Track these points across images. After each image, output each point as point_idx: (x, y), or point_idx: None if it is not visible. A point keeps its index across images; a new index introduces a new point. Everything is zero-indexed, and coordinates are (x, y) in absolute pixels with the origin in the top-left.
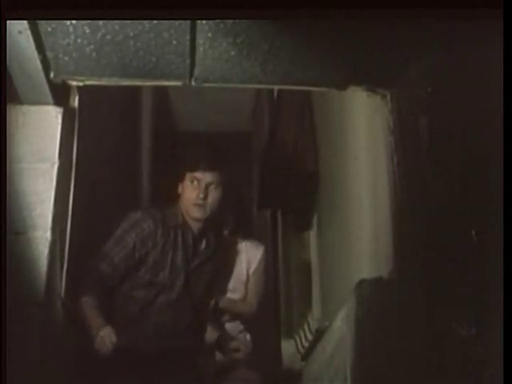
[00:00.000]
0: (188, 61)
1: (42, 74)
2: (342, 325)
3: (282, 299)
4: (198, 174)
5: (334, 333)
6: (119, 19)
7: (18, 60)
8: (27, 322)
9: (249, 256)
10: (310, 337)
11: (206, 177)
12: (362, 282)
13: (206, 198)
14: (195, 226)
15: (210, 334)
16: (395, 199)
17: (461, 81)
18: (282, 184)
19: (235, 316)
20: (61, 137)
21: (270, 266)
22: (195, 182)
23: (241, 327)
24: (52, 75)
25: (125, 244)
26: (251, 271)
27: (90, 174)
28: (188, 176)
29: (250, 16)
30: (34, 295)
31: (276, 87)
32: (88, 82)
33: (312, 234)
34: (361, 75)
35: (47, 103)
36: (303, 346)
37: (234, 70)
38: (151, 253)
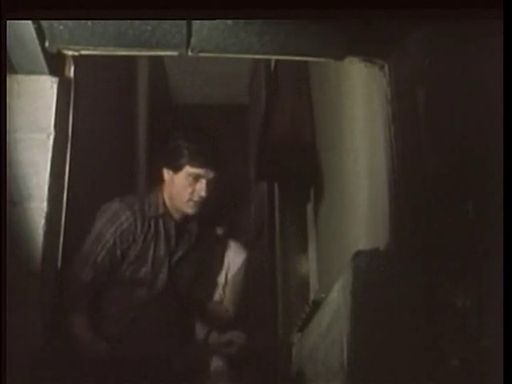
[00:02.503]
0: (184, 30)
1: (36, 43)
2: (338, 296)
3: (279, 271)
4: (201, 171)
5: (330, 304)
6: (119, 19)
7: (12, 29)
8: (24, 292)
9: (229, 258)
10: (306, 308)
11: (208, 174)
12: (358, 254)
13: (207, 197)
14: (177, 215)
15: (199, 330)
16: (392, 171)
17: (459, 54)
18: (278, 157)
19: (212, 318)
20: (56, 107)
21: (250, 273)
22: (193, 177)
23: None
24: (47, 44)
25: (105, 241)
26: (230, 275)
27: (86, 145)
28: (187, 169)
29: (251, 16)
30: (31, 266)
31: (273, 57)
32: (83, 52)
33: (309, 206)
34: (358, 45)
35: (42, 73)
36: (299, 318)
37: (230, 39)
38: (132, 247)
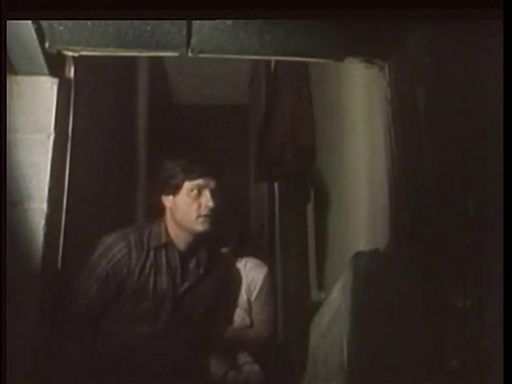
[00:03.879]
0: (184, 31)
1: (36, 43)
2: (338, 297)
3: (279, 271)
4: (201, 181)
5: (330, 305)
6: (120, 19)
7: (12, 30)
8: (24, 293)
9: (249, 279)
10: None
11: (209, 183)
12: (358, 254)
13: (215, 207)
14: (182, 244)
15: (217, 369)
16: (392, 171)
17: (459, 54)
18: (278, 157)
19: (243, 346)
20: (56, 108)
21: (273, 289)
22: (195, 191)
23: (248, 359)
24: (47, 45)
25: (97, 275)
26: (253, 297)
27: (86, 146)
28: (186, 185)
29: (252, 16)
30: (31, 266)
31: (273, 58)
32: (83, 53)
33: (309, 207)
34: (358, 46)
35: (42, 74)
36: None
37: (230, 40)
38: (128, 280)
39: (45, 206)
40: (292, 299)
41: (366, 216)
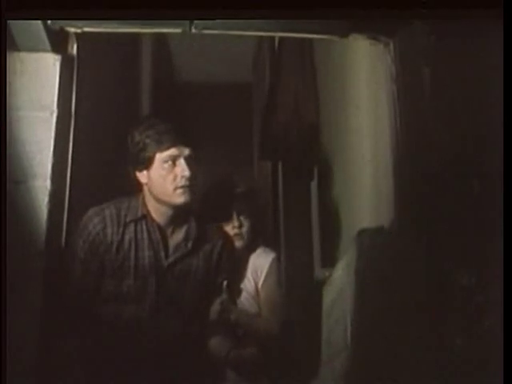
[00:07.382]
0: None
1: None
2: (342, 275)
3: (283, 250)
4: (174, 150)
5: (334, 283)
6: (119, 19)
7: None
8: (28, 271)
9: (256, 265)
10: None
11: (182, 151)
12: (362, 232)
13: (192, 176)
14: (162, 218)
15: (220, 348)
16: (397, 148)
17: (464, 32)
18: (282, 135)
19: (250, 333)
20: (59, 85)
21: (281, 275)
22: (169, 162)
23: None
24: (50, 21)
25: (78, 258)
26: (260, 284)
27: (89, 123)
28: (159, 157)
29: (252, 16)
30: (35, 244)
31: (277, 35)
32: (86, 29)
33: (313, 185)
34: (363, 23)
35: (45, 50)
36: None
37: None
38: (106, 258)
39: (48, 183)
40: (296, 277)
41: (371, 193)
